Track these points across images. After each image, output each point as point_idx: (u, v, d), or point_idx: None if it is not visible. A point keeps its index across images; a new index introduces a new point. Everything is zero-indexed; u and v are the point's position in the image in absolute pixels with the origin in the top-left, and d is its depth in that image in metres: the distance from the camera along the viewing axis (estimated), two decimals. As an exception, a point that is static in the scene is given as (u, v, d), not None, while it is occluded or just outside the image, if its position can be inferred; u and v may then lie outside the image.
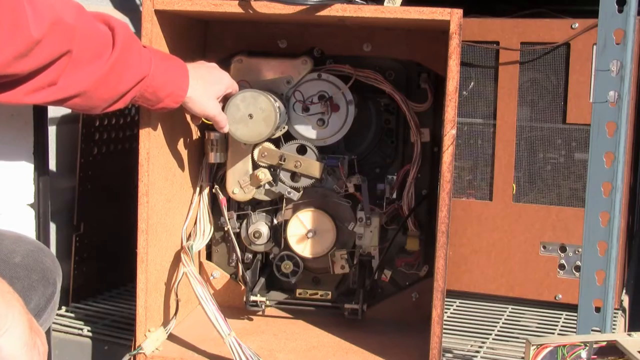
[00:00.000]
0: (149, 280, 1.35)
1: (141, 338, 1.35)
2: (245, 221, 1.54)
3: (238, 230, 1.54)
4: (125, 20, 1.77)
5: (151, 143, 1.33)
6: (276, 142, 1.49)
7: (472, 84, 1.65)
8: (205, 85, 1.30)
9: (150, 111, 1.29)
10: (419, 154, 1.48)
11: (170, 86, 1.23)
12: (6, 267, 1.12)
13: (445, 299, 1.27)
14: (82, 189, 1.62)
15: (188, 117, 1.43)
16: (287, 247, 1.51)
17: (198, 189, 1.51)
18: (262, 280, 1.53)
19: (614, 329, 1.49)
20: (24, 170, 1.36)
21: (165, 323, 1.41)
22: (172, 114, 1.36)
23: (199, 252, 1.55)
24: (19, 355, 0.86)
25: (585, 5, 1.48)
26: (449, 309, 1.69)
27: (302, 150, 1.49)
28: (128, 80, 1.16)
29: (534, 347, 1.11)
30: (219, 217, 1.53)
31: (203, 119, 1.40)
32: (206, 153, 1.49)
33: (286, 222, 1.51)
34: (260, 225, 1.53)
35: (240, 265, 1.54)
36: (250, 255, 1.55)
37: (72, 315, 1.61)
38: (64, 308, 1.62)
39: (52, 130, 1.54)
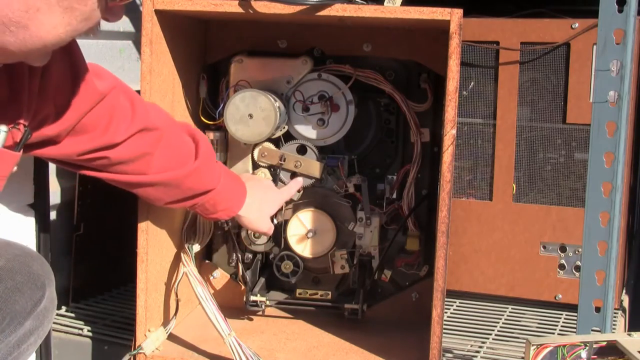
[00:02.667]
0: (149, 280, 1.35)
1: (141, 338, 1.35)
2: (245, 221, 1.54)
3: (238, 230, 1.54)
4: (125, 20, 1.77)
5: (151, 143, 1.33)
6: (276, 142, 1.49)
7: (472, 84, 1.65)
8: (260, 206, 1.39)
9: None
10: (419, 154, 1.48)
11: (229, 202, 1.33)
12: None
13: (445, 299, 1.27)
14: (82, 189, 1.62)
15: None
16: (287, 247, 1.51)
17: (198, 189, 1.51)
18: (262, 280, 1.53)
19: (614, 329, 1.49)
20: (24, 171, 1.36)
21: (165, 323, 1.41)
22: (172, 113, 1.36)
23: (199, 252, 1.55)
24: None
25: (585, 5, 1.48)
26: (449, 309, 1.69)
27: (302, 150, 1.49)
28: (199, 188, 1.28)
29: (534, 347, 1.11)
30: (219, 217, 1.52)
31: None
32: (206, 153, 1.49)
33: (286, 222, 1.51)
34: (260, 225, 1.53)
35: (240, 265, 1.54)
36: (250, 255, 1.55)
37: (72, 315, 1.61)
38: (64, 308, 1.63)
39: (52, 130, 1.54)
